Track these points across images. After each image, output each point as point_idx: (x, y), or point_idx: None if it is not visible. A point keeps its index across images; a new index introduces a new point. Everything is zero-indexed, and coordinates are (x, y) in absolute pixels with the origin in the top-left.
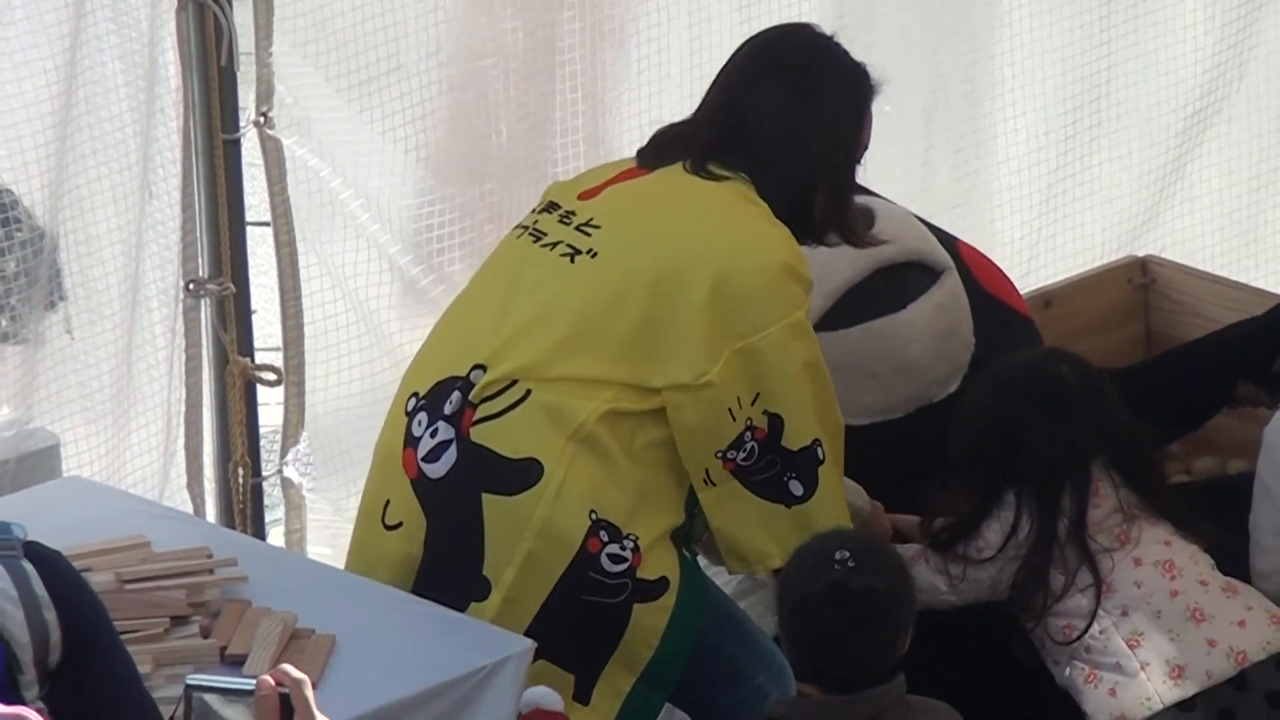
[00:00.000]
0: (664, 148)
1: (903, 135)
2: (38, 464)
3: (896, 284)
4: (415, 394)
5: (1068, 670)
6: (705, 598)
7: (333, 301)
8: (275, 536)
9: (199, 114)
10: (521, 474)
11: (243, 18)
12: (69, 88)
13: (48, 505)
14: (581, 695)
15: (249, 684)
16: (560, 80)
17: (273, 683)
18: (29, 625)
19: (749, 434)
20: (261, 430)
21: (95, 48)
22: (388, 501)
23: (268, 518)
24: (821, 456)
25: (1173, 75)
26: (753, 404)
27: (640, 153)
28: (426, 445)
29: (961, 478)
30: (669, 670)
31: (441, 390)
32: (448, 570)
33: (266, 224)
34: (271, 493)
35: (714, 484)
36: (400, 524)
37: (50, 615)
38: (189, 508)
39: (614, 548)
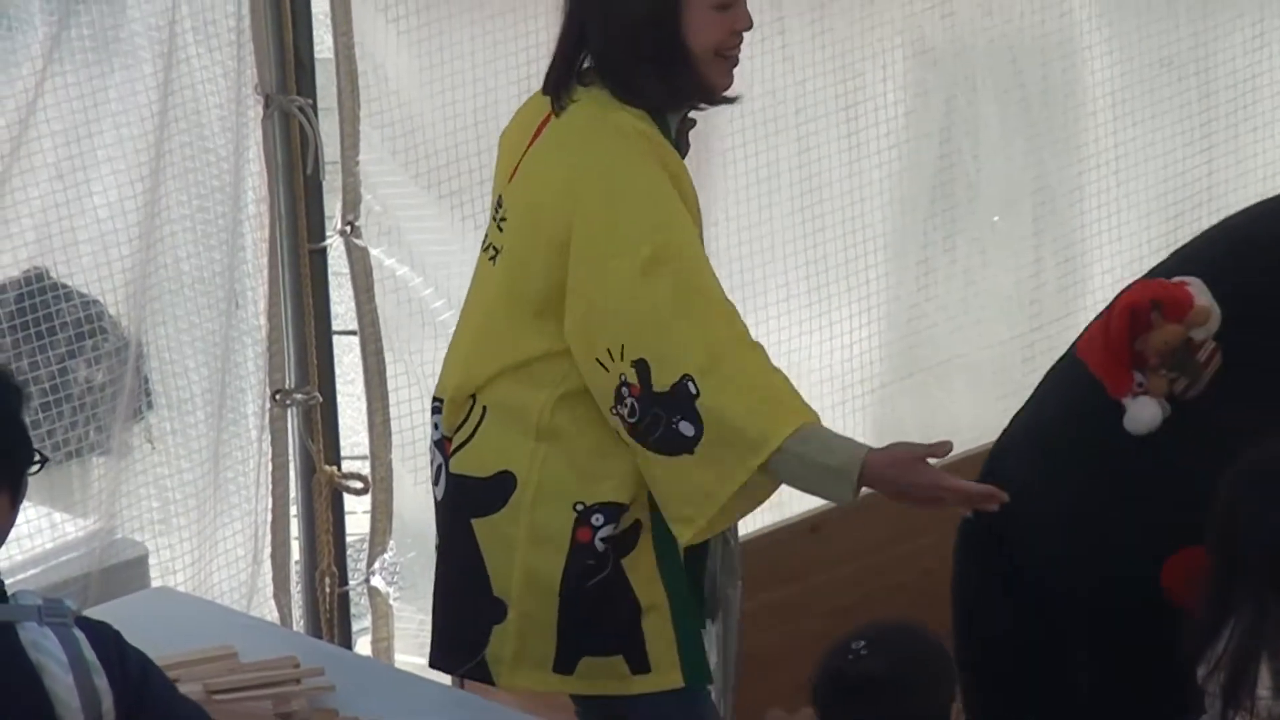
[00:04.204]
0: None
1: (1012, 245)
2: (126, 574)
3: None
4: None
5: None
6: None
7: (421, 411)
8: (363, 645)
9: (285, 223)
10: (499, 489)
11: (329, 127)
12: (154, 197)
13: (135, 616)
14: (639, 666)
15: None
16: None
17: None
18: (79, 690)
19: (625, 389)
20: (348, 538)
21: (180, 155)
22: None
23: (355, 626)
24: (695, 391)
25: (1272, 180)
26: (621, 357)
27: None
28: (431, 468)
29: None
30: (685, 593)
31: (433, 412)
32: (465, 604)
33: (354, 333)
34: (359, 601)
35: (631, 445)
36: None
37: (101, 681)
38: (276, 617)
39: (608, 529)
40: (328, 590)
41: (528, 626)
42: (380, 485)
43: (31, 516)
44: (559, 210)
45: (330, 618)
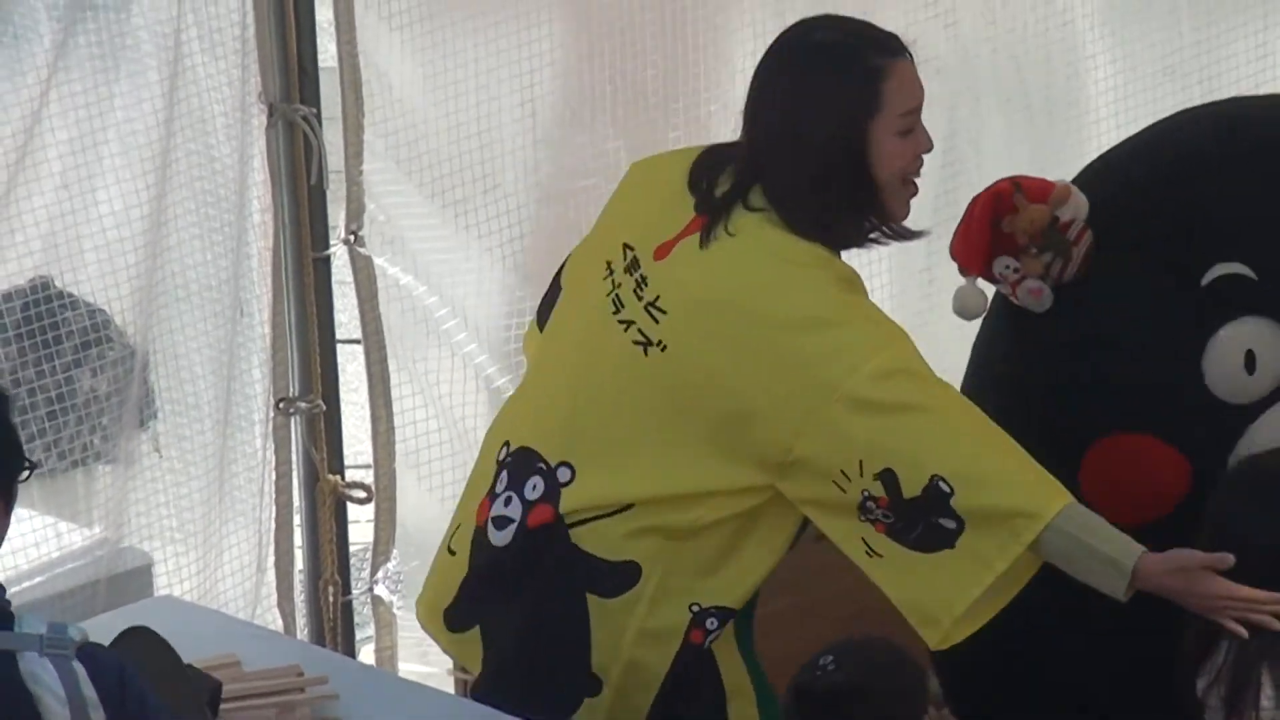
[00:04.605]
0: (706, 197)
1: None
2: (131, 583)
3: None
4: (508, 443)
5: None
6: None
7: (425, 420)
8: (366, 654)
9: (289, 231)
10: (623, 576)
11: (333, 136)
12: (160, 206)
13: (139, 624)
14: None
15: None
16: None
17: None
18: None
19: (871, 503)
20: (352, 547)
21: (186, 164)
22: (459, 526)
23: (358, 635)
24: (949, 490)
25: None
26: (860, 474)
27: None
28: (499, 509)
29: None
30: (764, 678)
31: (528, 460)
32: (558, 666)
33: (358, 341)
34: (362, 610)
35: (879, 554)
36: (455, 554)
37: (98, 715)
38: (280, 626)
39: (717, 634)
40: (331, 599)
41: (620, 707)
42: (384, 494)
43: (37, 525)
44: (751, 348)
45: (334, 626)
